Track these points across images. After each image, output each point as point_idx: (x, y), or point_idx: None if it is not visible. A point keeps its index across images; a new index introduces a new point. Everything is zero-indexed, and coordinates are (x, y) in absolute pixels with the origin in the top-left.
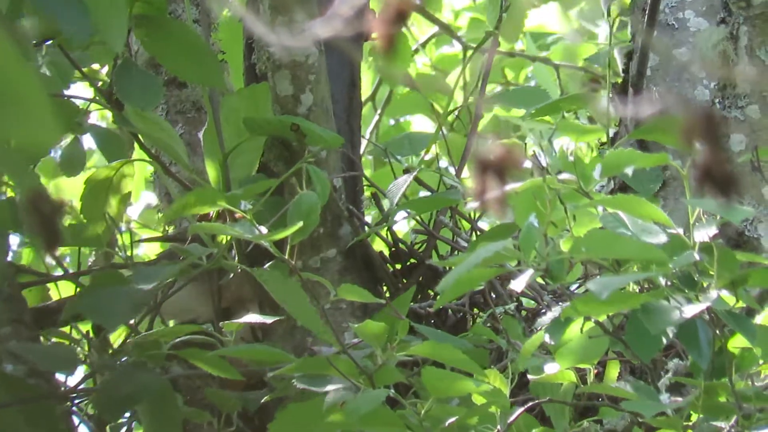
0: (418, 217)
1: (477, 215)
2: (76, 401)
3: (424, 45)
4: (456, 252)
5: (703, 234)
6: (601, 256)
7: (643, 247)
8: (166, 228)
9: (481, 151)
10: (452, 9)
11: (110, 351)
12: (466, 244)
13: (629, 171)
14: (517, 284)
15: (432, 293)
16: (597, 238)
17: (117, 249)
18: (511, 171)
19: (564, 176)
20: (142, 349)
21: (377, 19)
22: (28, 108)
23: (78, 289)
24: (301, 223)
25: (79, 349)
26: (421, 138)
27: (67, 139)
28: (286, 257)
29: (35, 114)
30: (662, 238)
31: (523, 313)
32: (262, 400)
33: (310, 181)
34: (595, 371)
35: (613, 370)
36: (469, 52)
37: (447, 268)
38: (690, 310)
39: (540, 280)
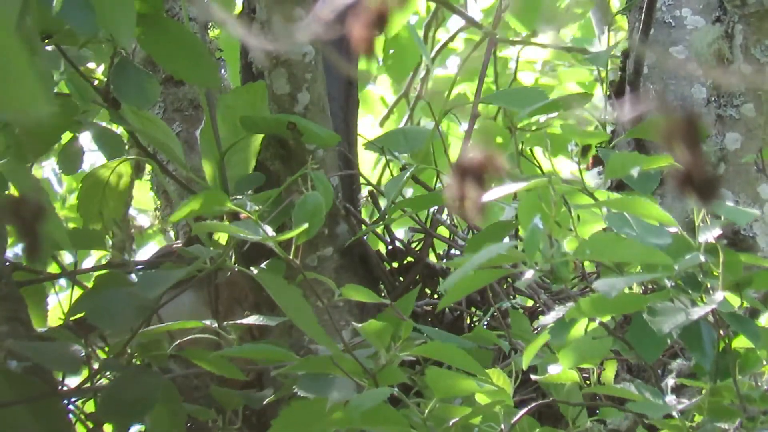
0: (414, 216)
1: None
2: (73, 400)
3: (452, 39)
4: (451, 249)
5: (708, 235)
6: (604, 259)
7: (647, 250)
8: (167, 228)
9: (461, 156)
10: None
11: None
12: (463, 243)
13: (634, 173)
14: (521, 284)
15: (429, 292)
16: (601, 240)
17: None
18: (490, 176)
19: (568, 176)
20: (145, 350)
21: (356, 20)
22: (13, 77)
23: (74, 287)
24: (306, 225)
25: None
26: (417, 134)
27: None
28: (290, 257)
29: (21, 83)
30: (667, 239)
31: (520, 311)
32: (266, 400)
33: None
34: (597, 371)
35: (611, 369)
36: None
37: (445, 266)
38: (696, 312)
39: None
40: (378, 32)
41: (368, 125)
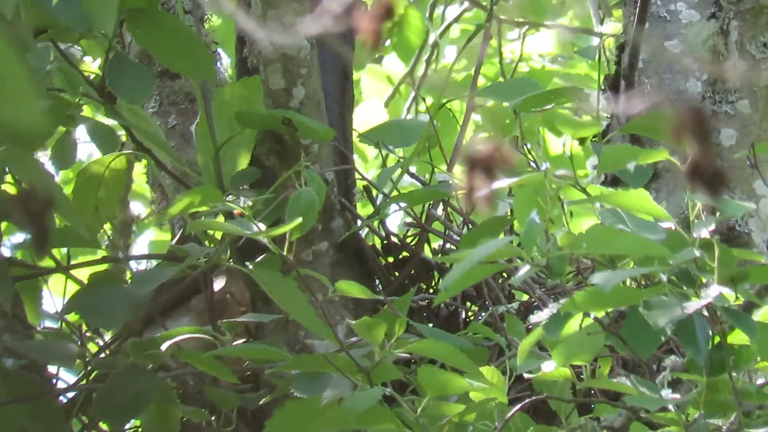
0: (410, 210)
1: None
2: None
3: (457, 19)
4: (446, 244)
5: (702, 230)
6: (601, 252)
7: (643, 242)
8: (163, 222)
9: (471, 148)
10: None
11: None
12: (458, 238)
13: (631, 167)
14: (517, 280)
15: (424, 287)
16: (597, 233)
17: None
18: (500, 168)
19: (560, 171)
20: (140, 349)
21: (364, 14)
22: (9, 87)
23: (68, 280)
24: (300, 219)
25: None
26: (413, 128)
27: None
28: (284, 253)
29: (17, 93)
30: (661, 235)
31: (516, 304)
32: (262, 401)
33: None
34: (591, 367)
35: (606, 365)
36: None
37: (440, 262)
38: (692, 306)
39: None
40: (384, 25)
41: (373, 106)
